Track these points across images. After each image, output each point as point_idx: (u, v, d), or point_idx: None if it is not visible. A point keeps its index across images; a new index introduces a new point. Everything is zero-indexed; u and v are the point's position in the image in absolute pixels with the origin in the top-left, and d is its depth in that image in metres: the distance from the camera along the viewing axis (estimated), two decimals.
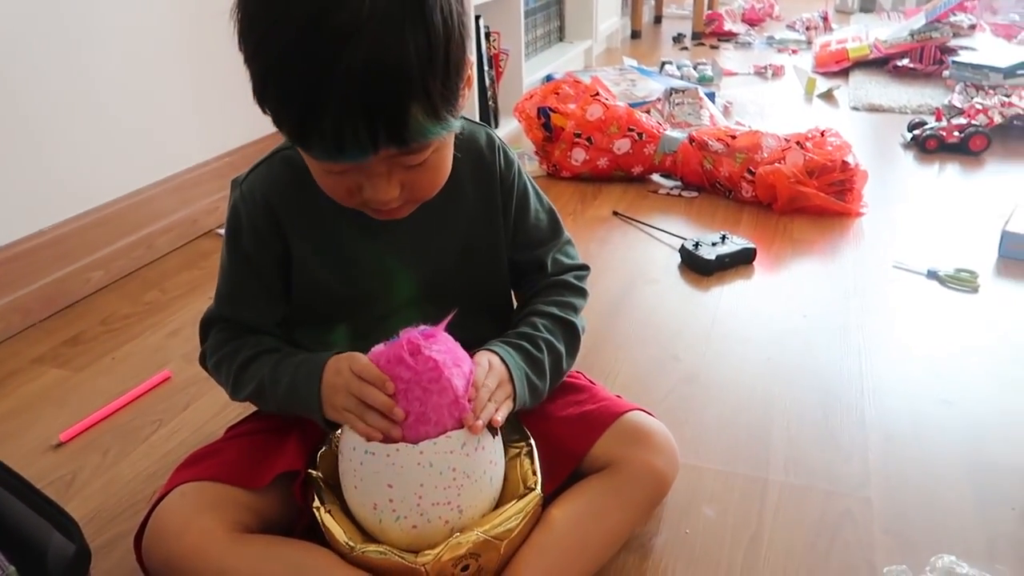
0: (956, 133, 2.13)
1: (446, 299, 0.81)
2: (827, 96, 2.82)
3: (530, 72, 2.73)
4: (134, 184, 1.56)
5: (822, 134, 1.82)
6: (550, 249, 0.91)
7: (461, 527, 0.71)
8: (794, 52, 3.62)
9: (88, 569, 0.68)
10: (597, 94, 2.03)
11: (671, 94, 2.29)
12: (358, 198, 0.71)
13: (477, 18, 2.20)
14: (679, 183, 1.94)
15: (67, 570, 0.66)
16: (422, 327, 0.72)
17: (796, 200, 1.73)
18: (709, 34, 4.03)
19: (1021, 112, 2.22)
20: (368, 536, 0.73)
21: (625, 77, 2.79)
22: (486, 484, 0.73)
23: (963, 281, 1.41)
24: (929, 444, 1.01)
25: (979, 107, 2.24)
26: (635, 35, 4.10)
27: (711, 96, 2.43)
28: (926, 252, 1.53)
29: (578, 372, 0.93)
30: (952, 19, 3.06)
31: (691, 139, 1.89)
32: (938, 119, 2.27)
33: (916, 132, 2.21)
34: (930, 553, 0.82)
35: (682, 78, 2.89)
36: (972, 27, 3.08)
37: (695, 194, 1.89)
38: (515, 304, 0.95)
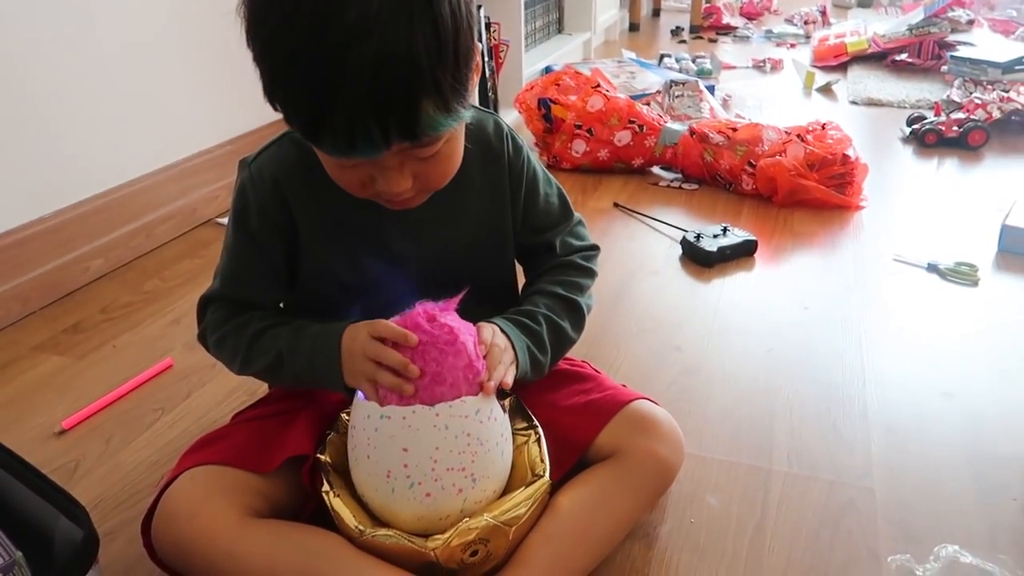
0: (955, 128, 2.14)
1: (452, 286, 0.81)
2: (826, 90, 2.82)
3: (529, 64, 2.72)
4: (134, 172, 1.55)
5: (823, 127, 1.82)
6: (560, 231, 0.91)
7: (473, 500, 0.71)
8: (792, 46, 3.62)
9: (96, 554, 0.67)
10: (598, 85, 2.03)
11: (671, 86, 2.29)
12: (371, 190, 0.71)
13: (478, 8, 2.19)
14: (680, 175, 1.94)
15: (75, 555, 0.65)
16: (439, 302, 0.74)
17: (796, 193, 1.74)
18: (707, 27, 4.02)
19: (1020, 107, 2.23)
20: (377, 521, 0.73)
21: (624, 69, 2.79)
22: (498, 456, 0.73)
23: (963, 274, 1.42)
24: (931, 435, 1.02)
25: (978, 102, 2.25)
26: (633, 28, 4.09)
27: (710, 89, 2.43)
28: (926, 245, 1.54)
29: (584, 361, 0.94)
30: (950, 14, 3.06)
31: (692, 131, 1.89)
32: (937, 114, 2.28)
33: (915, 126, 2.21)
34: (933, 543, 0.83)
35: (681, 71, 2.89)
36: (970, 22, 3.08)
37: (695, 186, 1.89)
38: (520, 289, 0.95)
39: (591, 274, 0.92)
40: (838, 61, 3.17)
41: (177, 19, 1.59)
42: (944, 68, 2.81)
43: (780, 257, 1.54)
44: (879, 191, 1.82)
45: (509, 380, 0.75)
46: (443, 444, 0.69)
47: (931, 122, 2.18)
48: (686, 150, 1.89)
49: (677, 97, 2.26)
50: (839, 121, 1.88)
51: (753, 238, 1.54)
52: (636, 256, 1.55)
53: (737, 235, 1.53)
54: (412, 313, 0.72)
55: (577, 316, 0.88)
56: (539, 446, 0.79)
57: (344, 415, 0.82)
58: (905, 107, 2.55)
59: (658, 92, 2.35)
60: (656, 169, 2.00)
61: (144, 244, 1.57)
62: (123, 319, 1.33)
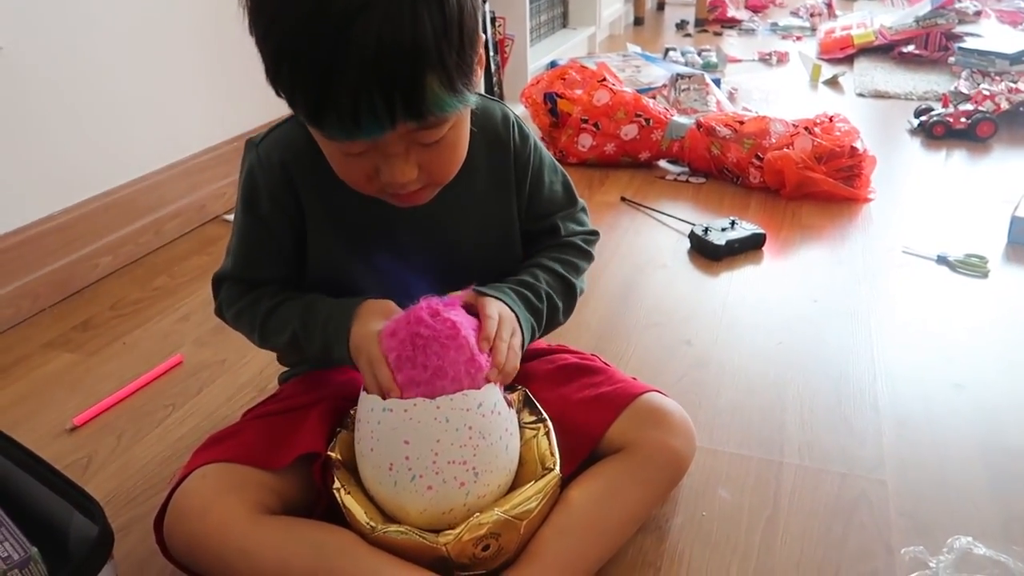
0: (963, 119, 2.13)
1: (458, 274, 0.82)
2: (832, 83, 2.81)
3: (534, 58, 2.72)
4: (142, 169, 1.55)
5: (830, 119, 1.81)
6: (564, 216, 0.91)
7: (476, 494, 0.71)
8: (798, 39, 3.61)
9: (111, 550, 0.68)
10: (604, 80, 2.02)
11: (677, 80, 2.29)
12: (376, 183, 0.70)
13: (483, 1, 2.19)
14: (686, 169, 1.94)
15: (90, 551, 0.66)
16: (444, 297, 0.74)
17: (804, 186, 1.73)
18: (712, 21, 4.01)
19: None
20: (387, 517, 0.73)
21: (629, 63, 2.78)
22: (501, 450, 0.73)
23: (973, 266, 1.41)
24: (942, 427, 1.01)
25: (986, 93, 2.23)
26: (638, 21, 4.08)
27: (716, 82, 2.42)
28: (935, 237, 1.53)
29: (593, 355, 0.94)
30: (958, 5, 3.05)
31: (698, 125, 1.89)
32: (945, 105, 2.27)
33: (923, 118, 2.20)
34: (946, 535, 0.83)
35: (686, 64, 2.88)
36: (978, 13, 3.07)
37: (702, 180, 1.89)
38: None
39: (590, 258, 0.93)
40: (844, 53, 3.16)
41: (183, 15, 1.59)
42: (951, 59, 2.80)
43: (789, 250, 1.54)
44: (887, 183, 1.82)
45: (516, 364, 0.75)
46: (444, 437, 0.69)
47: (939, 114, 2.17)
48: (693, 143, 1.89)
49: (683, 91, 2.25)
50: (846, 113, 1.88)
51: (761, 231, 1.53)
52: (644, 250, 1.55)
53: (745, 228, 1.53)
54: (415, 308, 0.72)
55: (571, 300, 0.88)
56: (548, 439, 0.78)
57: (353, 411, 0.82)
58: (912, 99, 2.54)
59: (664, 86, 2.35)
60: (663, 163, 2.00)
61: (153, 241, 1.57)
62: (132, 316, 1.33)
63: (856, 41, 3.17)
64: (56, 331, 1.29)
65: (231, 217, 0.85)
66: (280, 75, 0.63)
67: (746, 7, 4.31)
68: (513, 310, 0.79)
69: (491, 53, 2.27)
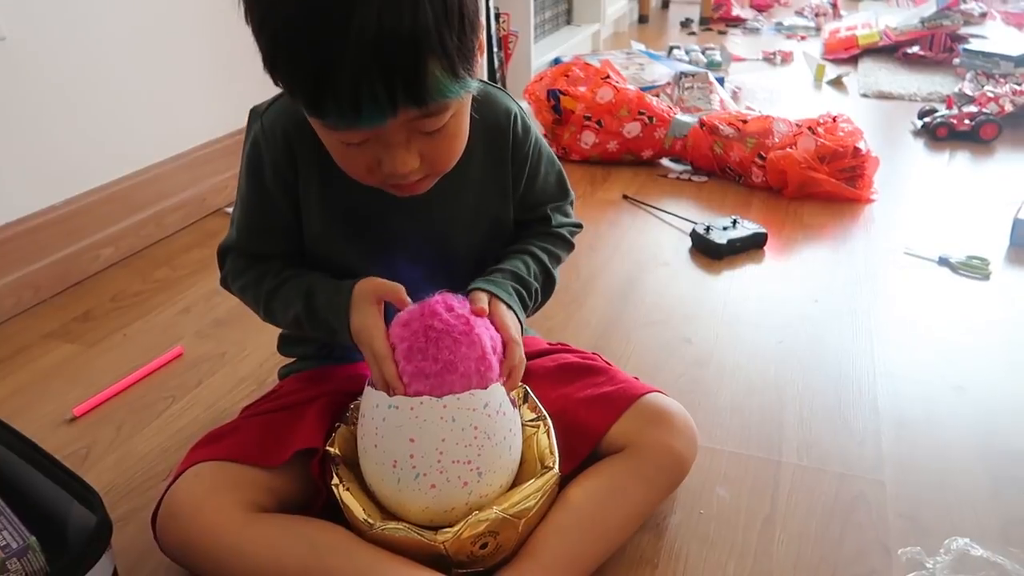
0: (967, 121, 2.13)
1: (449, 259, 0.83)
2: (836, 83, 2.81)
3: (538, 55, 2.71)
4: (144, 161, 1.55)
5: (834, 120, 1.81)
6: (555, 208, 0.92)
7: (479, 494, 0.71)
8: (803, 38, 3.60)
9: (110, 540, 0.68)
10: (608, 77, 2.02)
11: (681, 78, 2.28)
12: (378, 174, 0.69)
13: None
14: (689, 167, 1.94)
15: (88, 541, 0.66)
16: (458, 295, 0.74)
17: (807, 185, 1.73)
18: (717, 19, 4.01)
19: None
20: (386, 513, 0.73)
21: (633, 61, 2.78)
22: (505, 450, 0.73)
23: (975, 268, 1.41)
24: (942, 429, 1.01)
25: (990, 95, 2.23)
26: (643, 19, 4.08)
27: (720, 81, 2.42)
28: (937, 239, 1.53)
29: (595, 354, 0.93)
30: (963, 7, 3.05)
31: (702, 123, 1.88)
32: (949, 107, 2.26)
33: (927, 119, 2.20)
34: (944, 536, 0.83)
35: (690, 63, 2.88)
36: (983, 15, 3.06)
37: (705, 179, 1.89)
38: None
39: (572, 249, 0.94)
40: (849, 54, 3.15)
41: (186, 8, 1.59)
42: (956, 61, 2.80)
43: (790, 250, 1.54)
44: (890, 184, 1.82)
45: (522, 371, 0.75)
46: (449, 436, 0.69)
47: (943, 115, 2.17)
48: (696, 142, 1.89)
49: (687, 89, 2.25)
50: (850, 114, 1.87)
51: (763, 231, 1.53)
52: (645, 248, 1.55)
53: (747, 227, 1.53)
54: (431, 300, 0.72)
55: (548, 293, 0.89)
56: (548, 437, 0.78)
57: (353, 408, 0.82)
58: (916, 100, 2.54)
59: (668, 84, 2.35)
60: (665, 161, 1.99)
61: (154, 233, 1.57)
62: (133, 307, 1.33)
63: (861, 41, 3.16)
64: (57, 322, 1.29)
65: (231, 210, 0.85)
66: (278, 64, 0.62)
67: (751, 6, 4.30)
68: (516, 314, 0.79)
69: (495, 49, 2.26)
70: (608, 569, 0.78)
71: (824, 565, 0.80)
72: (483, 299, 0.76)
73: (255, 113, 0.80)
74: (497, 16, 2.29)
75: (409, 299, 0.73)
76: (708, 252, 1.50)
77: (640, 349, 1.20)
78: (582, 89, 2.01)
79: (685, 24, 3.91)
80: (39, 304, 1.34)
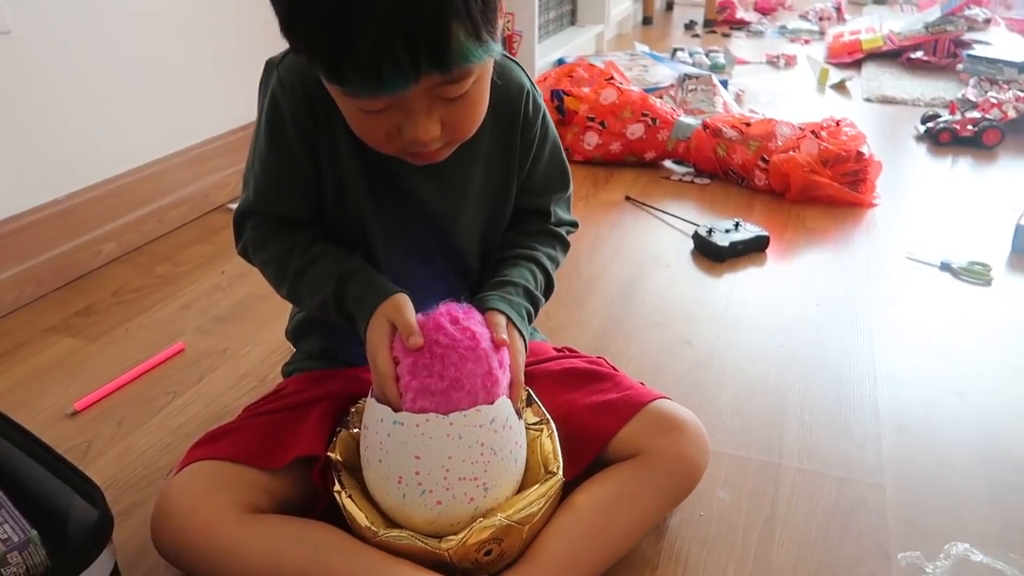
0: (970, 127, 2.13)
1: (457, 235, 0.82)
2: (840, 87, 2.81)
3: (541, 55, 2.71)
4: (147, 157, 1.55)
5: (837, 124, 1.81)
6: (556, 199, 0.90)
7: (485, 507, 0.70)
8: (806, 42, 3.60)
9: (111, 535, 0.68)
10: (611, 78, 2.02)
11: (684, 80, 2.28)
12: (398, 142, 0.67)
13: None
14: (692, 169, 1.94)
15: (89, 535, 0.66)
16: (463, 304, 0.73)
17: (809, 189, 1.73)
18: (721, 22, 4.01)
19: None
20: (389, 521, 0.72)
21: (637, 63, 2.78)
22: (511, 464, 0.72)
23: (976, 274, 1.41)
24: (942, 433, 1.01)
25: (993, 101, 2.23)
26: (647, 21, 4.08)
27: (724, 84, 2.42)
28: (939, 244, 1.53)
29: (600, 358, 0.92)
30: (967, 12, 3.05)
31: (705, 126, 1.89)
32: (952, 112, 2.26)
33: (930, 125, 2.20)
34: (943, 541, 0.83)
35: (694, 65, 2.88)
36: (987, 21, 3.06)
37: (707, 181, 1.89)
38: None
39: (567, 251, 0.92)
40: (852, 58, 3.15)
41: (190, 3, 1.59)
42: (960, 67, 2.80)
43: (792, 253, 1.54)
44: (892, 189, 1.82)
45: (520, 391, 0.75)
46: (456, 454, 0.68)
47: (946, 121, 2.17)
48: (699, 144, 1.89)
49: (691, 91, 2.25)
50: (853, 118, 1.87)
51: (765, 234, 1.53)
52: (647, 250, 1.55)
53: (749, 230, 1.53)
54: (435, 314, 0.71)
55: (547, 299, 0.87)
56: (552, 441, 0.78)
57: (353, 411, 0.81)
58: (920, 105, 2.54)
59: (671, 86, 2.35)
60: (668, 163, 1.99)
61: (156, 229, 1.57)
62: (135, 303, 1.33)
63: (864, 46, 3.16)
64: (58, 316, 1.29)
65: (235, 206, 0.83)
66: (296, 28, 0.60)
67: (755, 9, 4.31)
68: (522, 335, 0.78)
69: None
70: (608, 571, 0.78)
71: (824, 569, 0.80)
72: (503, 325, 0.74)
73: (271, 64, 0.77)
74: None
75: (419, 341, 0.69)
76: (710, 254, 1.50)
77: (641, 351, 1.20)
78: (586, 90, 2.01)
79: (689, 26, 3.91)
80: (41, 298, 1.34)
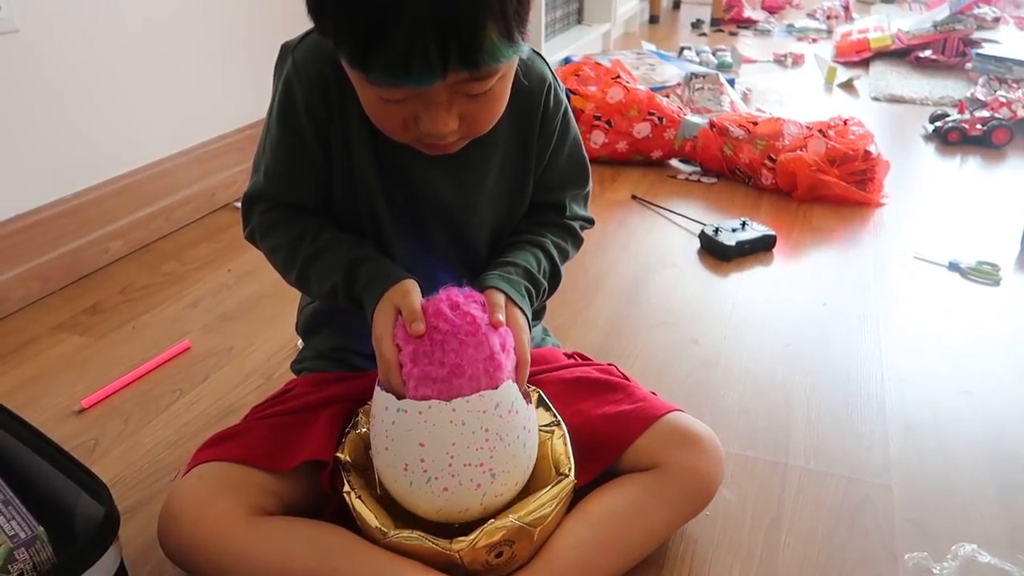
0: (979, 126, 2.12)
1: (470, 228, 0.81)
2: (847, 86, 2.80)
3: (548, 54, 2.71)
4: (154, 155, 1.56)
5: (844, 123, 1.80)
6: (573, 195, 0.89)
7: (493, 494, 0.70)
8: (814, 41, 3.59)
9: (117, 532, 0.68)
10: (618, 77, 2.02)
11: (691, 79, 2.28)
12: (412, 132, 0.67)
13: None
14: (698, 168, 1.93)
15: (96, 532, 0.66)
16: (464, 288, 0.73)
17: (816, 188, 1.72)
18: (728, 20, 4.00)
19: None
20: (399, 519, 0.72)
21: (644, 61, 2.77)
22: (519, 449, 0.71)
23: (985, 273, 1.41)
24: (949, 434, 1.01)
25: (1003, 100, 2.22)
26: (653, 19, 4.07)
27: (731, 83, 2.41)
28: (947, 244, 1.53)
29: (611, 365, 0.91)
30: (976, 11, 3.03)
31: (712, 124, 1.88)
32: (961, 111, 2.25)
33: (938, 124, 2.19)
34: (951, 542, 0.82)
35: (701, 64, 2.87)
36: (996, 20, 3.05)
37: (714, 180, 1.88)
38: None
39: (581, 245, 0.92)
40: (860, 57, 3.14)
41: (197, 2, 1.60)
42: (969, 65, 2.78)
43: (799, 253, 1.53)
44: (900, 188, 1.81)
45: (526, 374, 0.74)
46: (460, 440, 0.68)
47: (954, 120, 2.16)
48: (706, 143, 1.88)
49: (697, 90, 2.24)
50: (861, 117, 1.87)
51: (772, 233, 1.53)
52: (654, 249, 1.55)
53: (756, 230, 1.52)
54: (436, 299, 0.71)
55: (553, 292, 0.87)
56: (564, 443, 0.77)
57: (361, 413, 0.81)
58: (928, 104, 2.53)
59: (678, 85, 2.34)
60: (675, 162, 1.99)
61: (163, 227, 1.57)
62: (142, 301, 1.34)
63: (873, 44, 3.15)
64: (66, 314, 1.29)
65: (255, 158, 0.82)
66: (325, 11, 0.59)
67: (762, 8, 4.29)
68: (525, 315, 0.77)
69: None
70: None
71: (830, 569, 0.80)
72: (501, 304, 0.74)
73: (286, 49, 0.76)
74: None
75: (421, 328, 0.69)
76: (716, 254, 1.49)
77: (647, 350, 1.19)
78: (592, 89, 2.01)
79: (696, 25, 3.90)
80: (48, 296, 1.34)
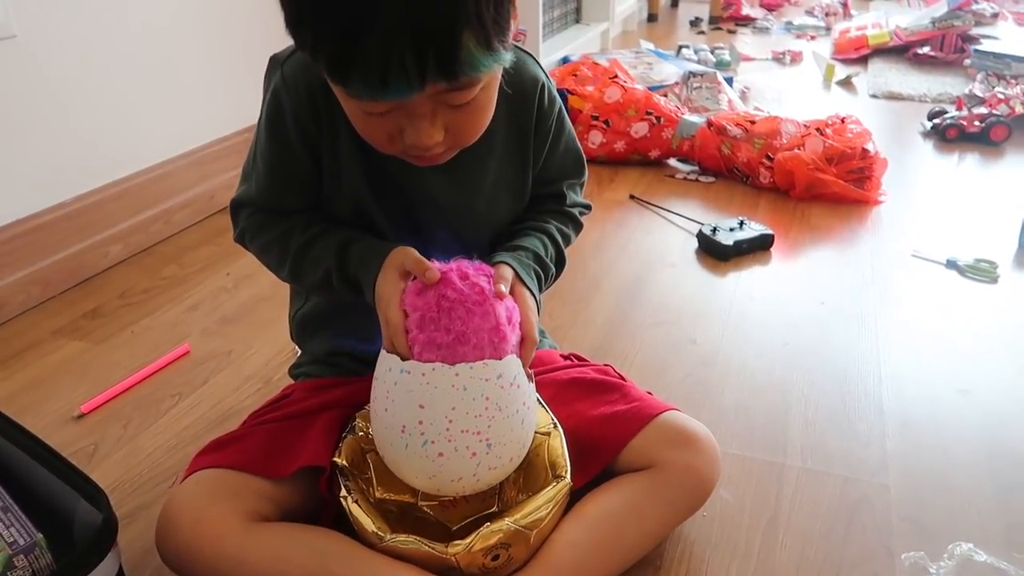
0: (977, 123, 2.12)
1: (468, 232, 0.81)
2: (846, 83, 2.80)
3: (546, 54, 2.71)
4: (153, 158, 1.56)
5: (842, 121, 1.81)
6: (571, 185, 0.90)
7: (487, 466, 0.70)
8: (812, 38, 3.59)
9: (115, 538, 0.68)
10: (616, 76, 2.02)
11: (689, 78, 2.28)
12: (399, 144, 0.67)
13: None
14: (696, 168, 1.94)
15: (94, 538, 0.66)
16: (474, 261, 0.73)
17: (814, 187, 1.73)
18: (726, 18, 4.00)
19: None
20: (396, 524, 0.72)
21: (642, 60, 2.77)
22: (517, 424, 0.71)
23: (982, 271, 1.41)
24: (947, 432, 1.01)
25: (1001, 97, 2.22)
26: (652, 18, 4.07)
27: (729, 81, 2.41)
28: (945, 242, 1.53)
29: (607, 366, 0.91)
30: (974, 7, 3.03)
31: (709, 124, 1.88)
32: (959, 108, 2.25)
33: (936, 121, 2.19)
34: (947, 540, 0.82)
35: (699, 62, 2.87)
36: (995, 16, 3.05)
37: (712, 179, 1.88)
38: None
39: (581, 230, 0.92)
40: (859, 54, 3.14)
41: (196, 6, 1.60)
42: (967, 62, 2.78)
43: (797, 251, 1.53)
44: (898, 186, 1.81)
45: (533, 351, 0.74)
46: (460, 405, 0.68)
47: (952, 117, 2.16)
48: (703, 142, 1.88)
49: (695, 89, 2.24)
50: (859, 115, 1.87)
51: (770, 232, 1.53)
52: (652, 248, 1.55)
53: (754, 229, 1.53)
54: (445, 267, 0.71)
55: (558, 277, 0.87)
56: (561, 445, 0.77)
57: (359, 417, 0.81)
58: (926, 101, 2.53)
59: (676, 83, 2.34)
60: (673, 161, 1.99)
61: (162, 230, 1.58)
62: (141, 305, 1.34)
63: (871, 41, 3.15)
64: (65, 318, 1.29)
65: (245, 163, 0.83)
66: (302, 25, 0.59)
67: (761, 5, 4.29)
68: (535, 297, 0.77)
69: None
70: None
71: (827, 569, 0.80)
72: (508, 278, 0.73)
73: (275, 61, 0.76)
74: None
75: (436, 274, 0.69)
76: (715, 253, 1.50)
77: (646, 349, 1.20)
78: (590, 88, 2.01)
79: (694, 23, 3.90)
80: (48, 300, 1.34)
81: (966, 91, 2.44)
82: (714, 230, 1.52)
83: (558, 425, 0.80)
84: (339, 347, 0.90)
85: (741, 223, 1.54)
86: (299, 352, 0.97)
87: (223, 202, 1.71)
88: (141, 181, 1.52)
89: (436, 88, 0.60)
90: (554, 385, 0.87)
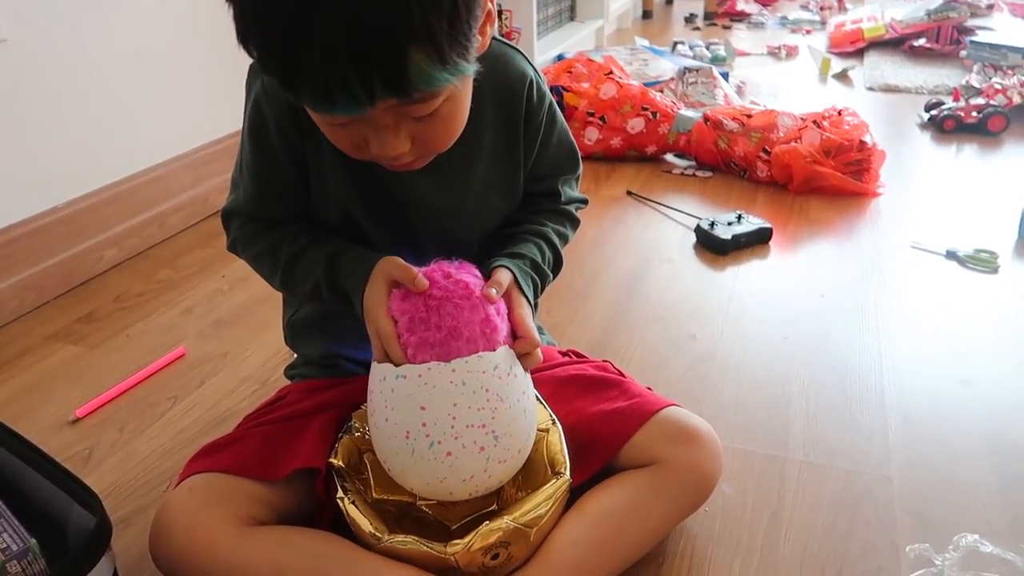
0: (974, 113, 2.11)
1: (458, 233, 0.81)
2: (842, 76, 2.79)
3: (541, 52, 2.71)
4: (147, 162, 1.55)
5: (839, 113, 1.80)
6: (565, 180, 0.89)
7: (497, 459, 0.69)
8: (808, 32, 3.59)
9: (109, 542, 0.67)
10: (611, 73, 2.01)
11: (685, 73, 2.27)
12: (366, 152, 0.65)
13: None
14: (693, 163, 1.93)
15: (88, 543, 0.65)
16: (454, 261, 0.73)
17: (812, 180, 1.72)
18: (721, 14, 3.99)
19: None
20: (394, 524, 0.71)
21: (637, 57, 2.76)
22: (520, 413, 0.71)
23: (983, 261, 1.40)
24: (949, 424, 1.00)
25: (998, 87, 2.21)
26: (646, 15, 4.07)
27: (725, 76, 2.40)
28: (945, 232, 1.52)
29: (606, 362, 0.91)
30: None
31: (706, 118, 1.87)
32: (956, 99, 2.25)
33: (933, 112, 2.19)
34: (952, 532, 0.82)
35: (695, 58, 2.86)
36: (990, 7, 3.04)
37: (709, 174, 1.88)
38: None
39: (578, 226, 0.91)
40: (854, 47, 3.13)
41: (188, 8, 1.59)
42: (963, 53, 2.78)
43: (795, 245, 1.53)
44: (896, 178, 1.80)
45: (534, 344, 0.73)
46: (461, 400, 0.67)
47: (950, 108, 2.15)
48: (700, 137, 1.88)
49: (691, 84, 2.24)
50: (855, 107, 1.86)
51: (768, 225, 1.52)
52: (650, 244, 1.54)
53: (752, 222, 1.52)
54: (426, 270, 0.70)
55: (555, 277, 0.86)
56: (560, 442, 0.76)
57: (355, 417, 0.81)
58: (923, 93, 2.52)
59: (672, 79, 2.33)
60: (670, 156, 1.98)
61: (157, 234, 1.57)
62: (136, 308, 1.33)
63: (866, 34, 3.14)
64: (60, 323, 1.29)
65: (232, 172, 0.83)
66: (247, 41, 0.57)
67: (755, 1, 4.28)
68: (527, 298, 0.76)
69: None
70: None
71: (831, 562, 0.79)
72: (504, 283, 0.73)
73: (255, 70, 0.75)
74: (500, 13, 2.28)
75: (424, 282, 0.69)
76: (713, 248, 1.49)
77: (644, 345, 1.19)
78: (585, 85, 2.00)
79: (689, 19, 3.90)
80: (42, 306, 1.34)
81: (963, 82, 2.43)
82: (712, 225, 1.51)
83: (556, 421, 0.79)
84: (333, 351, 0.90)
85: (739, 217, 1.53)
86: (295, 354, 0.96)
87: (217, 205, 1.70)
88: (135, 185, 1.51)
89: (388, 104, 0.58)
90: (553, 382, 0.86)
